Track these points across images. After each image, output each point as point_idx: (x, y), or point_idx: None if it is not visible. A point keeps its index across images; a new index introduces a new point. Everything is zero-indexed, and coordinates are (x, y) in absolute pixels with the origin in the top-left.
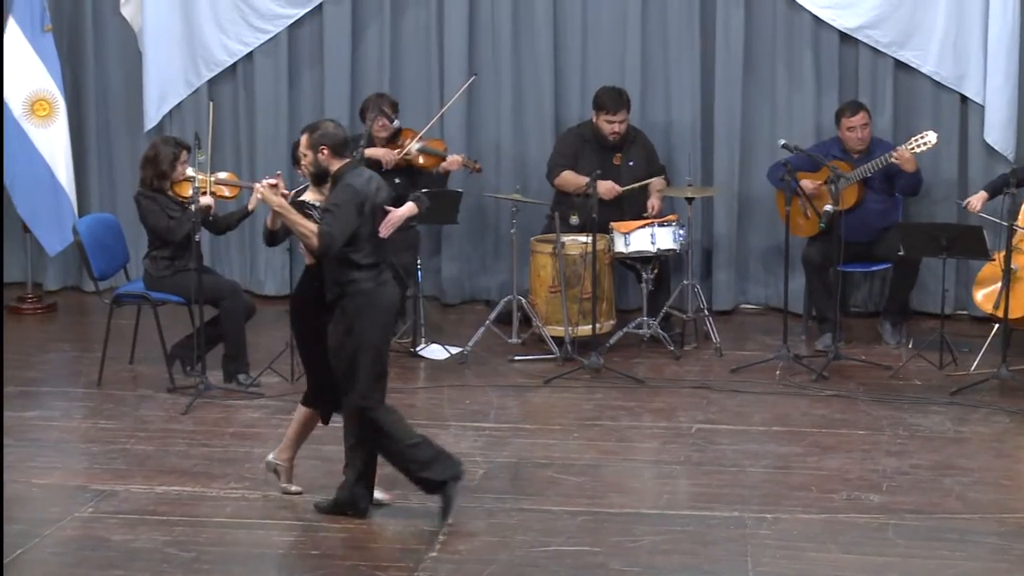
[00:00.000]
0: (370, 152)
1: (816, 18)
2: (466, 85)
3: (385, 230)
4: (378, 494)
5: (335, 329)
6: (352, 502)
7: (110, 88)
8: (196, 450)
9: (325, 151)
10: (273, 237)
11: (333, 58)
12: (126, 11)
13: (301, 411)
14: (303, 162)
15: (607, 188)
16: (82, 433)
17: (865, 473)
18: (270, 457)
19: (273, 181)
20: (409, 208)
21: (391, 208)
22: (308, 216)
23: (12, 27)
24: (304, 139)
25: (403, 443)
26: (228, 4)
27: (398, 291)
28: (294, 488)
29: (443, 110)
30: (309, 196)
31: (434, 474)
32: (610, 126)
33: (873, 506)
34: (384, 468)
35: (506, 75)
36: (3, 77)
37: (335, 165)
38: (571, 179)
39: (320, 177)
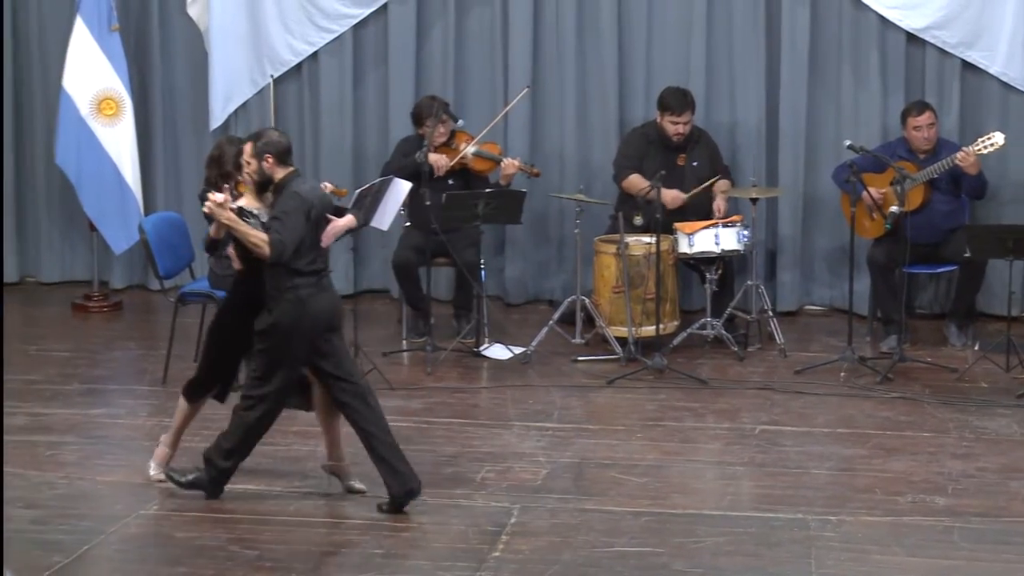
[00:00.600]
0: (432, 157)
1: (882, 18)
2: (520, 96)
3: (327, 239)
4: (356, 484)
5: (256, 329)
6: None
7: (176, 87)
8: (260, 448)
9: (270, 159)
10: (215, 245)
11: (397, 58)
12: (192, 11)
13: (182, 403)
14: (247, 170)
15: (672, 197)
16: (147, 431)
17: (930, 476)
18: (325, 464)
19: (221, 198)
20: (348, 220)
21: (333, 217)
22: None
23: (80, 26)
24: (248, 148)
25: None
26: (294, 4)
27: (337, 299)
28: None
29: (495, 120)
30: (246, 203)
31: (210, 481)
32: (675, 127)
33: (938, 509)
34: (365, 465)
35: (570, 75)
36: (71, 76)
37: (279, 174)
38: (638, 182)
39: (263, 185)
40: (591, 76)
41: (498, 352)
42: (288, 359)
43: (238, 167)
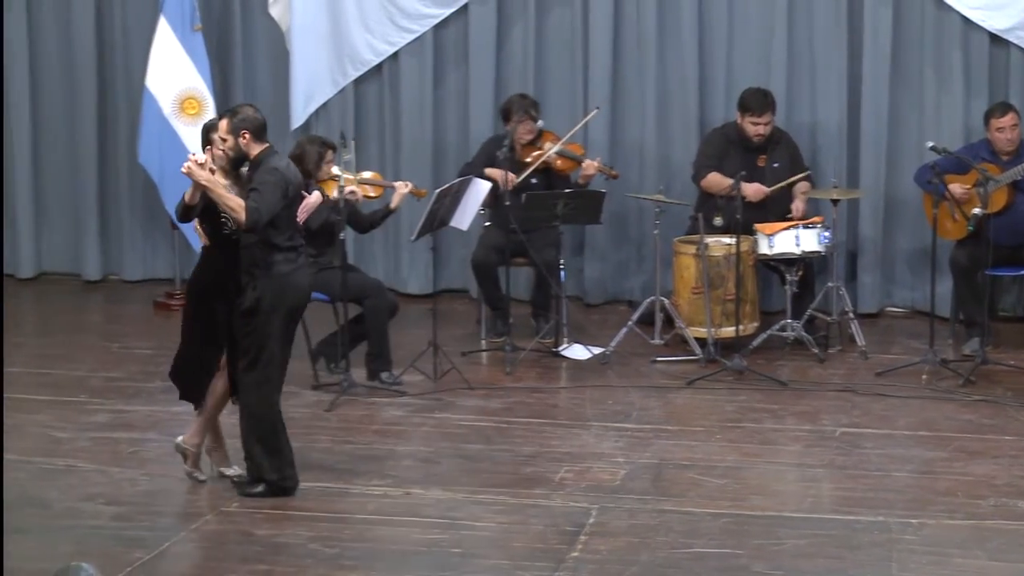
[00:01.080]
0: (489, 172)
1: (966, 19)
2: (590, 116)
3: (302, 215)
4: (229, 470)
5: (241, 309)
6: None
7: (257, 87)
8: (340, 447)
9: (246, 136)
10: (188, 212)
11: (478, 58)
12: (274, 11)
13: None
14: (223, 146)
15: (754, 190)
16: (228, 428)
17: (1013, 479)
18: (179, 440)
19: (202, 159)
20: (316, 197)
21: (306, 194)
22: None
23: (163, 26)
24: (224, 124)
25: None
26: (375, 4)
27: (312, 277)
28: (199, 475)
29: (571, 132)
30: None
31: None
32: (755, 127)
33: (1021, 513)
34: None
35: (650, 75)
36: (154, 75)
37: (255, 150)
38: (717, 181)
39: (238, 162)
40: (671, 76)
41: (577, 352)
42: (277, 335)
43: (319, 167)
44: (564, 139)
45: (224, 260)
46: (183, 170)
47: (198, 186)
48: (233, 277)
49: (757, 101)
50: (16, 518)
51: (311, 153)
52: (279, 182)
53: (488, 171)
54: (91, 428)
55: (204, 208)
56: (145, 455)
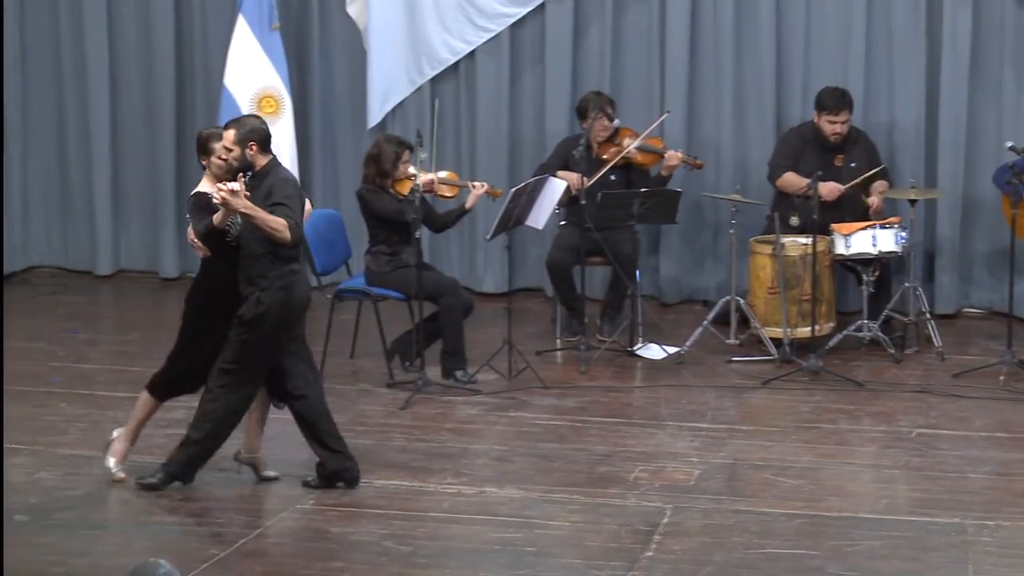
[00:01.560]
0: (562, 175)
1: None
2: (659, 121)
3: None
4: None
5: (243, 318)
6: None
7: (335, 85)
8: (414, 445)
9: (254, 147)
10: (213, 234)
11: (554, 57)
12: (352, 9)
13: (146, 398)
14: (227, 156)
15: (830, 189)
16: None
17: None
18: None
19: (236, 186)
20: (309, 207)
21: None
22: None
23: (241, 25)
24: (231, 134)
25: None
26: (452, 3)
27: (310, 285)
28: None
29: (639, 139)
30: (206, 187)
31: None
32: (832, 126)
33: None
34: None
35: (727, 74)
36: (232, 74)
37: (261, 161)
38: (793, 180)
39: (241, 172)
40: (748, 75)
41: (652, 352)
42: (272, 346)
43: (395, 167)
44: (642, 136)
45: (226, 267)
46: (216, 200)
47: (230, 213)
48: (234, 283)
49: (834, 100)
50: (95, 514)
51: (388, 152)
52: (295, 193)
53: (561, 174)
54: (168, 425)
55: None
56: (221, 452)
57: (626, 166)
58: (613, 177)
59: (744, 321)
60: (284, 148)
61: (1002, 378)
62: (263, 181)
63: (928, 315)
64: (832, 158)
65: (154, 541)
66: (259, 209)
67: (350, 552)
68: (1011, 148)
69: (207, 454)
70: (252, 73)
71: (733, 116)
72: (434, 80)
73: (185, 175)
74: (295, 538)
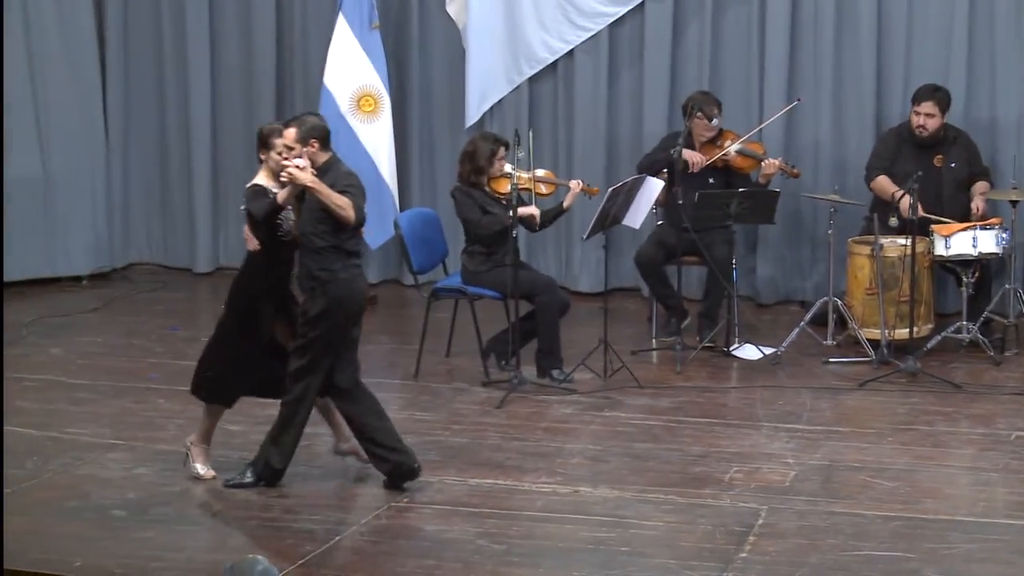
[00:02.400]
0: (686, 153)
1: None
2: (789, 107)
3: None
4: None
5: (308, 315)
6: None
7: (433, 84)
8: (509, 444)
9: (315, 144)
10: (275, 213)
11: (653, 57)
12: (451, 8)
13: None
14: (288, 154)
15: (692, 157)
16: (399, 424)
17: None
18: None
19: (303, 163)
20: None
21: None
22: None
23: (341, 24)
24: (292, 132)
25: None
26: (551, 2)
27: (366, 280)
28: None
29: (762, 125)
30: (263, 181)
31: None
32: (916, 118)
33: None
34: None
35: (827, 73)
36: (332, 73)
37: (322, 158)
38: (885, 186)
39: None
40: (848, 74)
41: (749, 352)
42: (335, 340)
43: (491, 163)
44: (746, 136)
45: (273, 262)
46: (284, 177)
47: (297, 188)
48: (281, 279)
49: (921, 91)
50: (190, 510)
51: (483, 149)
52: (358, 184)
53: (686, 153)
54: (264, 422)
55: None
56: (317, 449)
57: (725, 169)
58: (711, 180)
59: (842, 322)
60: (382, 147)
61: None
62: (324, 176)
63: None
64: (931, 158)
65: (249, 537)
66: (324, 186)
67: (443, 550)
68: None
69: (290, 453)
70: (351, 72)
71: (832, 115)
72: (532, 79)
73: None
74: (389, 536)
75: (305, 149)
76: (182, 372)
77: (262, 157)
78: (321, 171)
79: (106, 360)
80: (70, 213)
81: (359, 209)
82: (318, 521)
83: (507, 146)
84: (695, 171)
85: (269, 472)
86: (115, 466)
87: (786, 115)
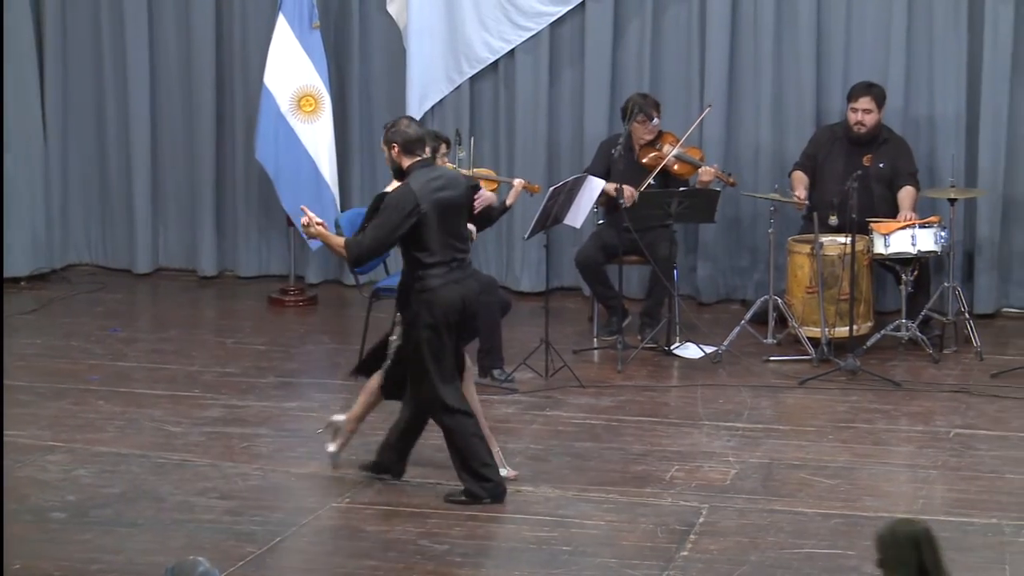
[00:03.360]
0: (608, 187)
1: None
2: (703, 115)
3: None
4: (503, 471)
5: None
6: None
7: (374, 84)
8: None
9: (395, 148)
10: None
11: (594, 56)
12: (392, 8)
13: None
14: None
15: (628, 194)
16: None
17: None
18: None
19: (305, 220)
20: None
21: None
22: None
23: (282, 24)
24: (384, 136)
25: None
26: (492, 2)
27: (470, 289)
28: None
29: (684, 138)
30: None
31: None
32: (854, 115)
33: None
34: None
35: (767, 73)
36: (272, 72)
37: (405, 163)
38: (795, 180)
39: (396, 173)
40: (788, 74)
41: (690, 351)
42: (429, 350)
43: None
44: (681, 140)
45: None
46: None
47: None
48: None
49: (856, 88)
50: (130, 512)
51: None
52: (393, 208)
53: (607, 187)
54: (204, 423)
55: None
56: (257, 450)
57: (664, 173)
58: (652, 182)
59: (782, 320)
60: (323, 147)
61: None
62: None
63: (967, 315)
64: (861, 157)
65: (189, 539)
66: (329, 235)
67: (385, 551)
68: None
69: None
70: (292, 72)
71: (772, 115)
72: (473, 79)
73: (224, 173)
74: (330, 536)
75: (389, 152)
76: (122, 373)
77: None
78: (402, 177)
79: (45, 362)
80: (8, 214)
81: (354, 246)
82: (259, 522)
83: (448, 144)
84: (628, 204)
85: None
86: (54, 468)
87: (726, 114)
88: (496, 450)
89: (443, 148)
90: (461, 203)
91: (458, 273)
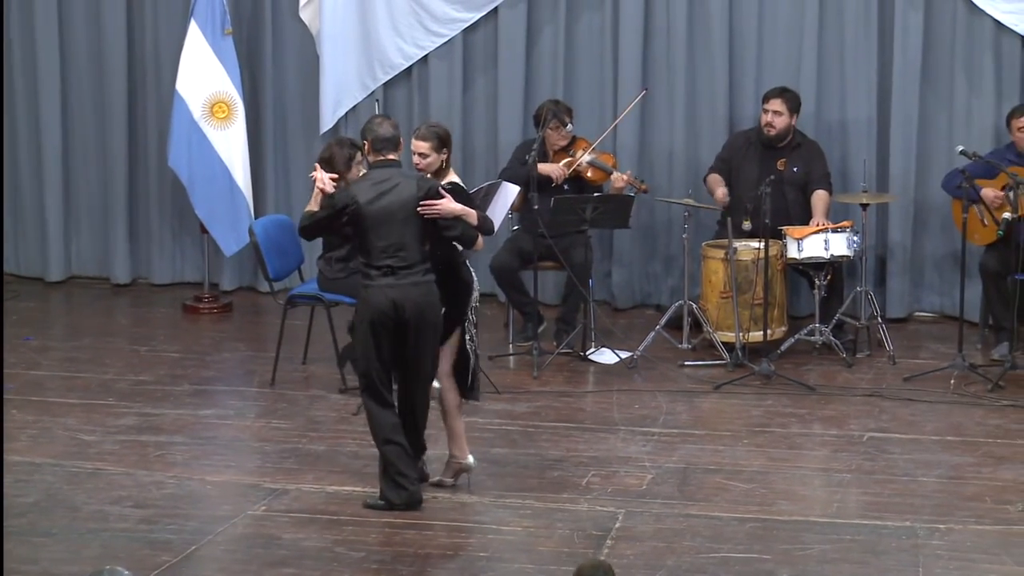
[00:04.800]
0: (542, 168)
1: (998, 23)
2: (637, 99)
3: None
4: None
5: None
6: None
7: (287, 90)
8: (366, 451)
9: (367, 145)
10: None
11: (507, 62)
12: (304, 14)
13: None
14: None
15: (558, 174)
16: (255, 432)
17: None
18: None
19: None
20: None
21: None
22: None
23: (193, 30)
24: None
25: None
26: (404, 8)
27: (406, 295)
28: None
29: (614, 124)
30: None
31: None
32: (765, 116)
33: None
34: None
35: (680, 78)
36: (184, 79)
37: (371, 159)
38: (711, 184)
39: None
40: (700, 79)
41: (605, 356)
42: (362, 349)
43: (348, 169)
44: (597, 142)
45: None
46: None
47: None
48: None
49: (770, 91)
50: (44, 521)
51: (340, 155)
52: (330, 204)
53: (542, 167)
54: (119, 431)
55: None
56: (172, 458)
57: (577, 180)
58: (566, 187)
59: (697, 325)
60: (236, 153)
61: (953, 382)
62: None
63: (879, 319)
64: (774, 162)
65: (104, 548)
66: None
67: (301, 558)
68: (962, 152)
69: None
70: (204, 78)
71: (686, 120)
72: (387, 85)
73: (137, 180)
74: (246, 544)
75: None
76: (35, 382)
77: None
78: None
79: None
80: None
81: (303, 217)
82: (174, 531)
83: (363, 151)
84: (558, 183)
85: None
86: None
87: (639, 120)
88: (461, 447)
89: (358, 156)
90: (398, 212)
91: (391, 278)
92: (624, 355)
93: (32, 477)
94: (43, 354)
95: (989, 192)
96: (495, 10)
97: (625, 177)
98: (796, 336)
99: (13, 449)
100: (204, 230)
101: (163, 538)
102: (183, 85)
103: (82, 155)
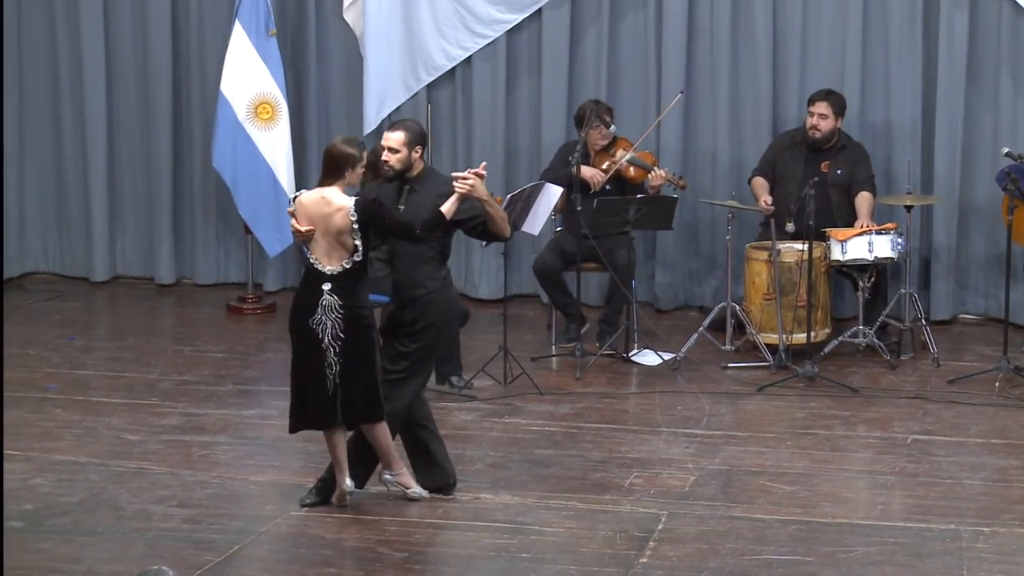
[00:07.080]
0: (585, 172)
1: None
2: (674, 102)
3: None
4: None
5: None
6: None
7: (331, 91)
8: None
9: (419, 151)
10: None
11: (551, 63)
12: (349, 15)
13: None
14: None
15: (590, 174)
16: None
17: None
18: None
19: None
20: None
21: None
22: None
23: (238, 31)
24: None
25: None
26: (449, 9)
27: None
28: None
29: (654, 124)
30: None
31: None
32: (810, 118)
33: None
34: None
35: (723, 79)
36: (229, 80)
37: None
38: (755, 187)
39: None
40: (745, 80)
41: (648, 358)
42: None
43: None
44: (637, 143)
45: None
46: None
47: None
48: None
49: (816, 93)
50: (88, 520)
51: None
52: (472, 209)
53: (585, 171)
54: (163, 431)
55: None
56: (215, 458)
57: (619, 179)
58: (608, 187)
59: (740, 327)
60: (280, 154)
61: (997, 384)
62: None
63: (924, 321)
64: (819, 163)
65: (149, 548)
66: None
67: (344, 558)
68: (1007, 154)
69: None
70: (248, 79)
71: (729, 121)
72: (430, 86)
73: (181, 181)
74: (289, 544)
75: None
76: (79, 381)
77: None
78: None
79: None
80: None
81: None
82: (217, 530)
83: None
84: (597, 189)
85: None
86: (12, 477)
87: (682, 121)
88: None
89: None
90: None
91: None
92: (667, 356)
93: (76, 476)
94: (88, 354)
95: None
96: (539, 11)
97: (663, 173)
98: (840, 338)
99: (57, 448)
100: (248, 231)
101: (207, 538)
102: (227, 86)
103: (127, 156)
